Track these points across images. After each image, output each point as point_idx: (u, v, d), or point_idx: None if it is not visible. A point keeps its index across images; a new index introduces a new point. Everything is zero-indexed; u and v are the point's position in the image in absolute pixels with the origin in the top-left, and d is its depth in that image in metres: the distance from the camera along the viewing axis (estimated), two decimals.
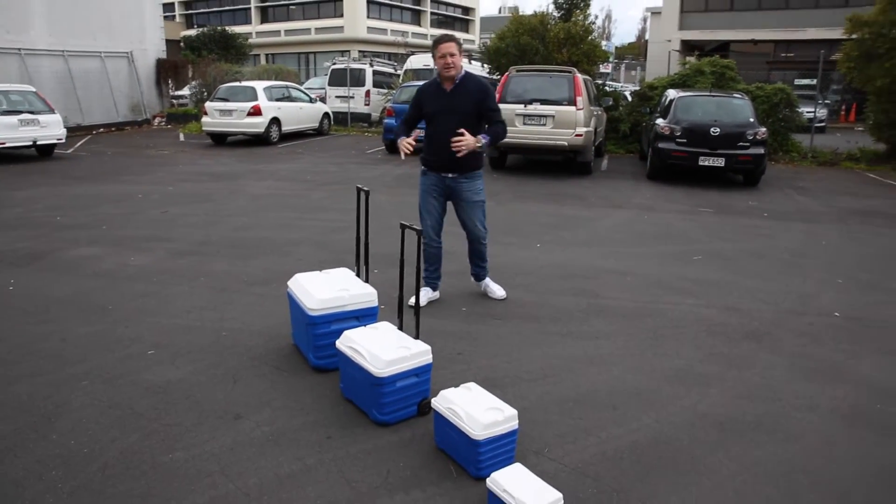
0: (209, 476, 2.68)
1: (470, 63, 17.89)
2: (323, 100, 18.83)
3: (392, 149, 14.07)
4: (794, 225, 7.75)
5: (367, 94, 19.40)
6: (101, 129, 18.14)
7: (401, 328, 3.35)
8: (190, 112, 20.00)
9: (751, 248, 6.59)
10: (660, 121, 10.83)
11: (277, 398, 3.33)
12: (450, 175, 4.43)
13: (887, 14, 12.13)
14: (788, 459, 2.89)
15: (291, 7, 40.59)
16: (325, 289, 3.56)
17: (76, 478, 2.64)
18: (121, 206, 8.06)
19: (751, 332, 4.37)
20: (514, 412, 2.72)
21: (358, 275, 3.93)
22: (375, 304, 3.64)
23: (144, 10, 20.36)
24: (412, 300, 3.87)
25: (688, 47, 27.06)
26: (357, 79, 19.30)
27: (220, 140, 15.27)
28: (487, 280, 4.88)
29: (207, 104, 14.98)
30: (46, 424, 3.03)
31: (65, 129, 12.71)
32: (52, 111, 12.48)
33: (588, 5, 16.01)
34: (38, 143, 12.07)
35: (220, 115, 14.62)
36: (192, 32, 28.44)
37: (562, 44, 14.73)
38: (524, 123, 10.43)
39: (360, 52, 33.68)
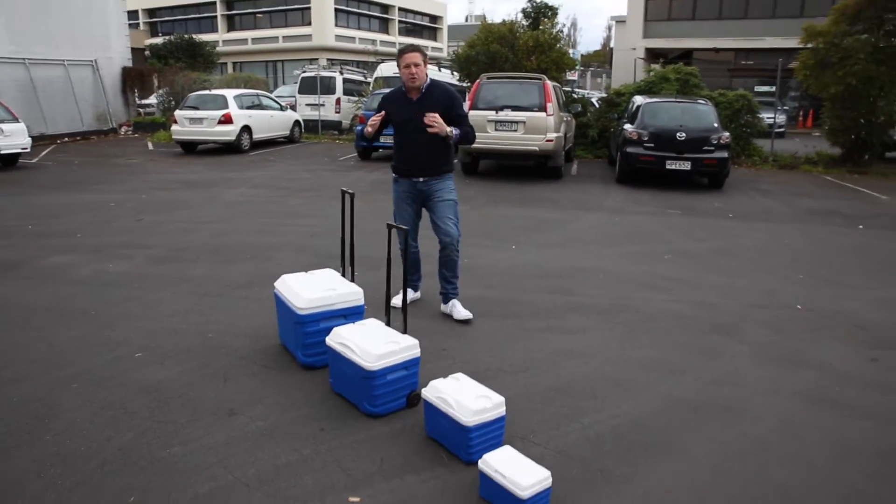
0: (208, 469, 2.76)
1: (440, 71, 18.08)
2: (293, 108, 18.83)
3: (365, 155, 14.18)
4: (757, 225, 8.06)
5: (338, 101, 19.46)
6: (66, 139, 17.84)
7: (388, 324, 3.46)
8: (157, 121, 19.80)
9: (717, 247, 6.86)
10: (627, 126, 11.13)
11: (269, 395, 3.41)
12: (420, 179, 4.39)
13: (839, 25, 12.67)
14: (756, 438, 3.08)
15: (258, 15, 40.35)
16: (312, 288, 3.66)
17: (75, 474, 2.69)
18: (94, 214, 8.00)
19: (719, 324, 4.59)
20: (501, 399, 2.86)
21: (343, 275, 4.03)
22: (362, 302, 3.75)
23: (109, 18, 20.10)
24: (395, 300, 3.99)
25: (652, 55, 27.71)
26: (327, 87, 19.35)
27: (191, 148, 15.17)
28: (454, 301, 4.57)
29: (177, 112, 14.87)
30: (40, 426, 3.07)
31: (30, 139, 12.52)
32: (15, 120, 12.29)
33: (555, 14, 16.35)
34: (2, 152, 11.86)
35: (191, 124, 14.53)
36: (158, 41, 28.12)
37: (531, 51, 15.02)
38: (496, 129, 10.63)
39: (328, 59, 33.63)
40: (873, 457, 2.94)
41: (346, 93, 19.70)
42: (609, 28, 64.11)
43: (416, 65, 4.16)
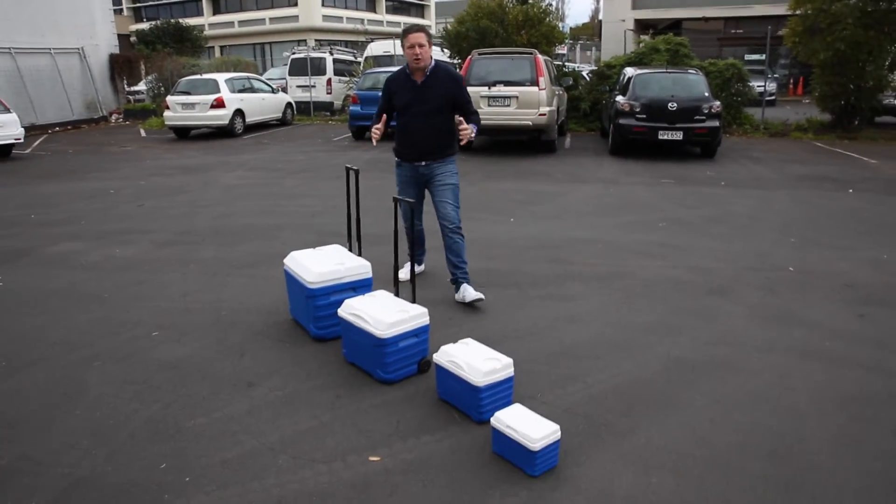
0: (233, 435, 2.90)
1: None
2: (284, 90, 18.77)
3: (359, 135, 14.22)
4: (749, 192, 8.21)
5: (329, 82, 19.40)
6: (57, 128, 17.77)
7: (397, 295, 3.60)
8: (148, 107, 19.71)
9: (710, 215, 7.01)
10: (619, 98, 11.22)
11: (285, 366, 3.55)
12: (423, 163, 4.33)
13: None
14: (751, 391, 3.25)
15: None
16: (321, 263, 3.79)
17: (108, 444, 2.84)
18: (94, 202, 8.07)
19: (714, 287, 4.75)
20: (509, 361, 3.01)
21: (350, 249, 4.16)
22: (370, 275, 3.87)
23: (93, 4, 19.87)
24: (402, 273, 4.12)
25: (641, 26, 27.64)
26: (318, 68, 19.27)
27: (184, 134, 15.17)
28: (465, 285, 4.40)
29: (169, 98, 14.84)
30: (69, 402, 3.21)
31: (22, 129, 12.50)
32: (8, 110, 12.26)
33: None
34: None
35: (183, 109, 14.51)
36: (144, 26, 27.84)
37: (521, 26, 15.01)
38: (489, 105, 10.69)
39: (316, 40, 33.38)
40: (859, 402, 3.11)
41: (336, 73, 19.64)
42: (597, 0, 63.57)
43: (421, 45, 4.05)
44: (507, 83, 10.72)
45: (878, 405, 3.09)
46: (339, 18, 39.00)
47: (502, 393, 2.98)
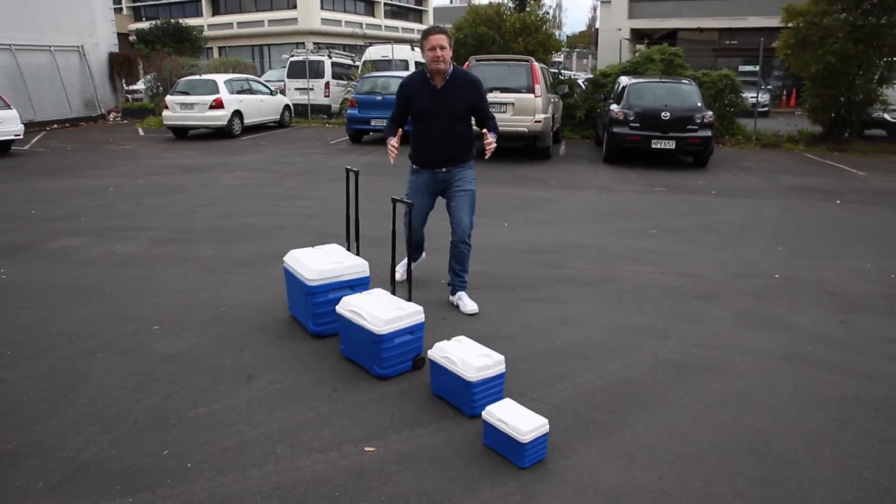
0: (233, 425, 3.00)
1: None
2: (282, 92, 18.88)
3: (356, 139, 14.33)
4: (740, 201, 8.36)
5: (327, 85, 19.52)
6: (55, 126, 17.81)
7: (394, 293, 3.70)
8: (146, 107, 19.77)
9: (701, 223, 7.15)
10: (614, 107, 11.38)
11: (283, 361, 3.65)
12: (443, 170, 4.26)
13: (818, 4, 12.95)
14: (735, 392, 3.37)
15: None
16: (320, 261, 3.89)
17: (112, 431, 2.93)
18: (94, 199, 8.15)
19: (702, 293, 4.87)
20: (501, 357, 3.12)
21: (349, 248, 4.26)
22: (367, 273, 3.98)
23: (94, 2, 19.95)
24: (398, 273, 4.23)
25: (637, 35, 27.90)
26: (316, 71, 19.39)
27: (182, 134, 15.25)
28: (462, 293, 4.46)
29: (168, 98, 14.92)
30: (73, 391, 3.30)
31: (22, 125, 12.56)
32: (7, 107, 12.33)
33: None
34: None
35: (182, 109, 14.60)
36: (144, 25, 27.92)
37: (518, 33, 15.18)
38: None
39: (315, 43, 33.51)
40: (837, 404, 3.24)
41: (335, 77, 19.77)
42: (594, 9, 63.99)
43: (443, 47, 3.92)
44: (504, 90, 10.86)
45: (855, 407, 3.22)
46: (338, 22, 39.16)
47: (494, 388, 3.09)
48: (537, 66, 11.25)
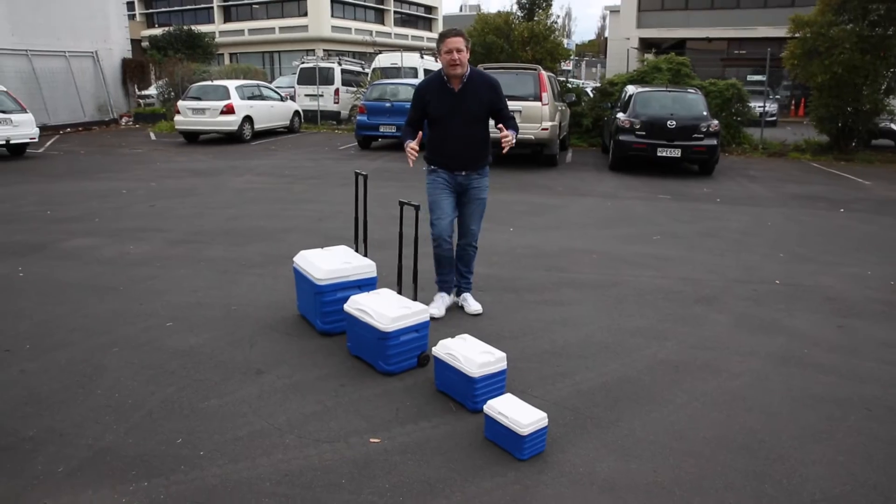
0: (243, 417, 3.12)
1: (436, 61, 18.36)
2: (292, 98, 19.10)
3: (365, 145, 14.50)
4: (743, 209, 8.44)
5: (337, 92, 19.73)
6: (69, 129, 18.10)
7: (400, 293, 3.82)
8: (158, 111, 20.05)
9: (704, 229, 7.24)
10: (620, 115, 11.49)
11: (292, 357, 3.77)
12: (462, 173, 4.18)
13: (825, 15, 13.03)
14: (730, 391, 3.46)
15: (255, 6, 40.47)
16: (329, 261, 4.02)
17: (128, 421, 3.05)
18: (108, 201, 8.32)
19: (702, 297, 4.96)
20: (503, 355, 3.23)
21: (357, 250, 4.38)
22: (375, 274, 4.10)
23: (109, 9, 20.30)
24: (434, 310, 4.21)
25: (645, 45, 28.03)
26: (326, 77, 19.62)
27: (193, 138, 15.47)
28: (466, 294, 4.53)
29: (180, 103, 15.15)
30: (89, 382, 3.42)
31: (37, 129, 12.80)
32: (24, 110, 12.56)
33: (550, 5, 16.66)
34: (12, 142, 12.15)
35: (193, 114, 14.82)
36: (156, 32, 28.29)
37: (526, 42, 15.34)
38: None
39: (325, 50, 33.83)
40: (830, 405, 3.32)
41: (344, 83, 19.99)
42: (604, 18, 64.30)
43: (459, 50, 3.87)
44: (511, 97, 10.92)
45: (847, 407, 3.30)
46: (348, 30, 39.52)
47: (496, 384, 3.19)
48: (545, 74, 11.39)
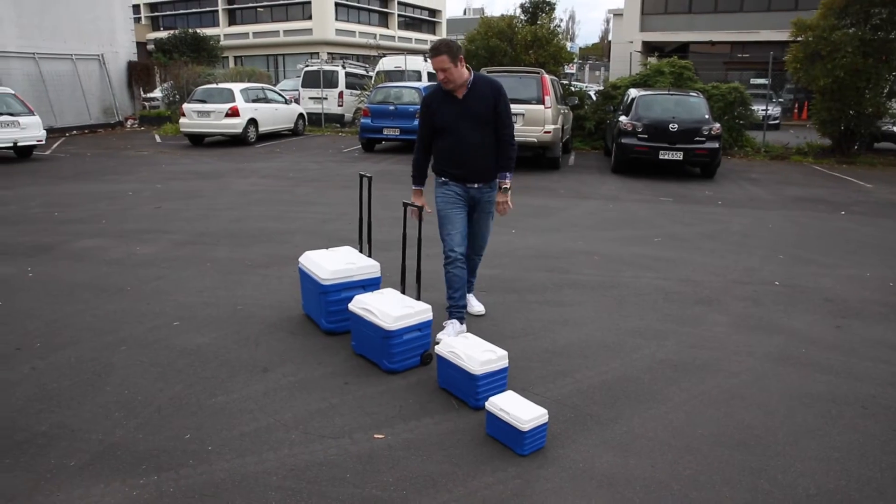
0: (250, 413, 3.19)
1: None
2: (297, 101, 19.21)
3: (368, 147, 14.59)
4: (744, 211, 8.49)
5: (341, 95, 19.83)
6: (75, 132, 18.22)
7: (403, 293, 3.88)
8: (163, 114, 20.18)
9: (705, 232, 7.29)
10: (623, 118, 11.55)
11: (297, 356, 3.84)
12: (475, 185, 4.02)
13: (827, 19, 13.07)
14: (728, 389, 3.51)
15: (259, 9, 40.65)
16: (334, 262, 4.08)
17: (137, 417, 3.12)
18: (114, 202, 8.41)
19: (702, 298, 5.02)
20: (504, 353, 3.29)
21: (361, 251, 4.45)
22: (379, 274, 4.16)
23: (115, 12, 20.44)
24: (445, 337, 3.82)
25: (649, 48, 28.09)
26: (330, 80, 19.72)
27: (198, 141, 15.57)
28: (469, 295, 4.53)
29: (185, 106, 15.27)
30: (99, 380, 3.50)
31: (44, 131, 12.91)
32: (31, 113, 12.67)
33: (553, 9, 16.73)
34: (20, 144, 12.26)
35: (199, 117, 14.93)
36: (162, 35, 28.47)
37: (529, 46, 15.39)
38: None
39: (329, 54, 33.98)
40: (826, 403, 3.38)
41: (348, 87, 20.08)
42: (607, 21, 64.43)
43: (444, 69, 3.76)
44: (514, 101, 10.95)
45: (843, 405, 3.35)
46: (352, 33, 39.67)
47: (497, 382, 3.25)
48: (547, 77, 11.45)
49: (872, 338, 4.25)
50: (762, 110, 15.90)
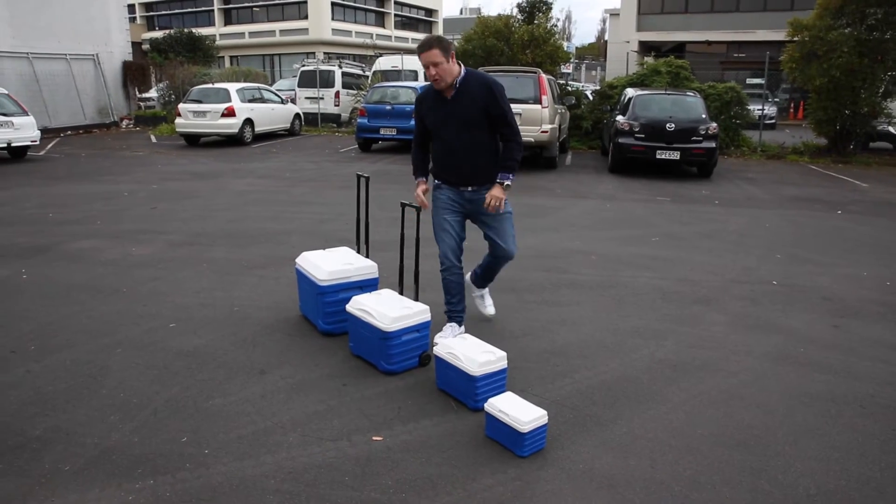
0: (247, 416, 3.16)
1: None
2: (293, 101, 19.16)
3: (365, 147, 14.56)
4: (741, 210, 8.49)
5: (337, 94, 19.80)
6: (69, 132, 18.15)
7: (401, 294, 3.86)
8: (158, 114, 20.11)
9: (702, 231, 7.29)
10: (619, 118, 11.55)
11: (295, 357, 3.81)
12: (469, 188, 3.78)
13: (823, 19, 13.10)
14: (727, 389, 3.50)
15: (255, 9, 40.59)
16: (331, 263, 4.06)
17: (133, 420, 3.10)
18: (110, 203, 8.37)
19: (700, 297, 5.01)
20: (503, 354, 3.28)
21: (358, 252, 4.43)
22: (376, 275, 4.14)
23: (109, 12, 20.36)
24: (441, 340, 3.72)
25: (645, 48, 28.11)
26: (326, 80, 19.69)
27: (194, 141, 15.52)
28: (486, 291, 4.33)
29: (181, 106, 15.22)
30: (94, 382, 3.47)
31: (38, 132, 12.84)
32: (25, 113, 12.60)
33: (549, 8, 16.73)
34: (13, 144, 12.19)
35: (194, 117, 14.88)
36: (157, 34, 28.38)
37: (526, 45, 15.40)
38: None
39: (325, 53, 33.92)
40: (825, 402, 3.37)
41: (344, 86, 20.06)
42: (604, 21, 64.50)
43: (436, 64, 3.51)
44: (512, 100, 10.94)
45: (842, 404, 3.35)
46: (349, 32, 39.63)
47: (496, 383, 3.23)
48: (544, 77, 11.45)
49: (870, 337, 4.25)
50: (758, 110, 15.93)
